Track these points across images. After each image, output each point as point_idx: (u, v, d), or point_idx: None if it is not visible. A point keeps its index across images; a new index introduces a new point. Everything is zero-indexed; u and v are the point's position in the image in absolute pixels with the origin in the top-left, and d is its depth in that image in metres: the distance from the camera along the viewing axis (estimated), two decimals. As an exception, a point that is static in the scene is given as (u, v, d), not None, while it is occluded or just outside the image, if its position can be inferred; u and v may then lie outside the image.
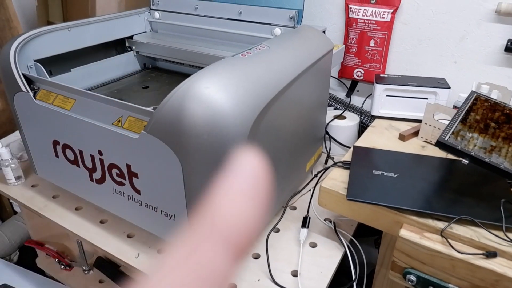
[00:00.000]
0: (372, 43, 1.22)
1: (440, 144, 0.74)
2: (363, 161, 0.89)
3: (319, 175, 0.92)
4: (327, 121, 1.22)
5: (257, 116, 0.68)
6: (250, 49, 0.80)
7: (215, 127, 0.64)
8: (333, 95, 1.37)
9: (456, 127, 0.80)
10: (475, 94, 0.95)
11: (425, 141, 1.02)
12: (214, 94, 0.64)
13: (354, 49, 1.26)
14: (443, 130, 0.78)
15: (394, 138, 1.04)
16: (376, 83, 1.10)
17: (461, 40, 1.12)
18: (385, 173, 0.84)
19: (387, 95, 1.11)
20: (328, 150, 1.21)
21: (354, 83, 1.35)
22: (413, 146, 1.00)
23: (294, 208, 1.01)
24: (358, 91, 1.37)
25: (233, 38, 1.12)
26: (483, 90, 1.07)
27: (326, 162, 1.18)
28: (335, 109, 1.34)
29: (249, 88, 0.69)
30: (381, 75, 1.17)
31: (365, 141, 1.02)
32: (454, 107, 1.05)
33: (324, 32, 1.16)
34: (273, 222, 0.94)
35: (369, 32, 1.21)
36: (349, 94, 1.38)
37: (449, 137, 0.76)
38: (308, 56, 0.89)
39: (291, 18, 1.02)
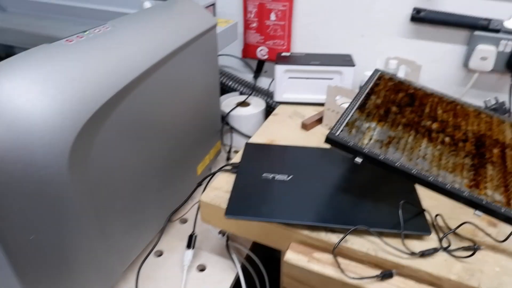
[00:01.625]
0: (273, 17, 1.06)
1: (329, 141, 0.61)
2: (253, 162, 0.75)
3: (204, 182, 0.77)
4: (227, 110, 1.06)
5: (84, 125, 0.50)
6: (85, 31, 0.60)
7: (20, 155, 0.45)
8: (239, 77, 1.21)
9: (351, 116, 0.67)
10: (379, 73, 0.84)
11: (329, 129, 0.89)
12: (13, 102, 0.45)
13: (254, 24, 1.10)
14: (335, 123, 0.64)
15: (297, 127, 0.91)
16: (276, 63, 0.95)
17: (367, 10, 0.99)
18: (276, 177, 0.70)
19: (289, 77, 0.97)
20: (230, 145, 1.05)
21: (261, 63, 1.19)
22: (316, 137, 0.87)
23: (184, 221, 0.86)
24: (266, 71, 1.21)
25: (96, 15, 0.90)
26: (391, 66, 0.96)
27: (228, 159, 1.03)
28: (241, 93, 1.18)
29: (70, 88, 0.50)
30: (283, 53, 1.02)
31: (263, 135, 0.87)
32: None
33: (213, 5, 0.98)
34: (154, 242, 0.78)
35: (268, 3, 1.04)
36: (256, 76, 1.23)
37: (341, 131, 0.63)
38: (177, 36, 0.71)
39: (162, -11, 0.83)
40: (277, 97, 1.00)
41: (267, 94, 1.15)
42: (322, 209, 0.63)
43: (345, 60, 0.95)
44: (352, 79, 0.95)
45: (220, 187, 0.71)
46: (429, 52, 0.97)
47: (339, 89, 0.83)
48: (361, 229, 0.59)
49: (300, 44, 1.12)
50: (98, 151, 0.55)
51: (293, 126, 0.91)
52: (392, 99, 0.75)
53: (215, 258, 0.77)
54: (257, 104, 1.10)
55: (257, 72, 1.22)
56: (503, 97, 0.92)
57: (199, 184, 0.77)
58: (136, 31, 0.65)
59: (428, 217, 0.62)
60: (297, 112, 0.97)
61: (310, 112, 0.96)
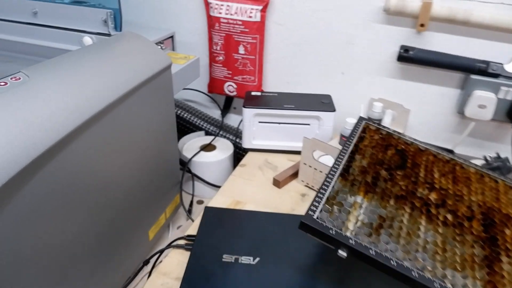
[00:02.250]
0: (241, 50, 0.93)
1: (305, 227, 0.47)
2: (213, 235, 0.60)
3: (151, 261, 0.61)
4: (190, 154, 0.92)
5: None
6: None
7: None
8: (205, 114, 1.07)
9: (332, 187, 0.54)
10: (364, 122, 0.71)
11: (306, 186, 0.76)
12: None
13: (221, 57, 0.96)
14: (312, 201, 0.51)
15: (268, 182, 0.77)
16: (244, 106, 0.82)
17: (347, 45, 0.88)
18: (240, 259, 0.56)
19: (259, 122, 0.84)
20: (192, 196, 0.90)
21: (229, 99, 1.06)
22: (291, 196, 0.73)
23: (130, 303, 0.70)
24: (235, 108, 1.08)
25: (33, 51, 0.75)
26: (376, 109, 0.84)
27: (189, 211, 0.88)
28: (207, 133, 1.04)
29: None
30: (253, 93, 0.89)
31: (227, 193, 0.73)
32: (342, 137, 0.81)
33: (171, 38, 0.84)
34: None
35: (236, 35, 0.91)
36: (224, 113, 1.09)
37: (320, 212, 0.49)
38: (122, 80, 0.56)
39: (104, 21, 0.68)
40: (246, 144, 0.86)
41: (236, 134, 1.02)
42: (297, 312, 0.49)
43: (324, 104, 0.83)
44: (332, 126, 0.82)
45: (169, 272, 0.56)
46: (419, 95, 0.86)
47: (317, 143, 0.70)
48: None
49: (272, 80, 0.99)
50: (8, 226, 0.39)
51: (263, 180, 0.77)
52: (380, 159, 0.62)
53: None
54: (224, 147, 0.96)
55: (225, 109, 1.08)
56: (503, 148, 0.82)
57: (146, 263, 0.62)
58: (63, 78, 0.50)
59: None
60: (268, 162, 0.84)
61: (283, 162, 0.83)
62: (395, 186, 0.57)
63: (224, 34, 0.93)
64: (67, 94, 0.49)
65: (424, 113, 0.87)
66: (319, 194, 0.52)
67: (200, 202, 0.94)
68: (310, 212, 0.49)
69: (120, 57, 0.60)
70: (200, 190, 0.94)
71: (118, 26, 0.68)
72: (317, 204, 0.50)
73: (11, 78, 0.48)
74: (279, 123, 0.83)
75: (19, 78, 0.48)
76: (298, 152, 0.83)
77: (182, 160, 0.94)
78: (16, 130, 0.41)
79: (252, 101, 0.84)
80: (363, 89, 0.92)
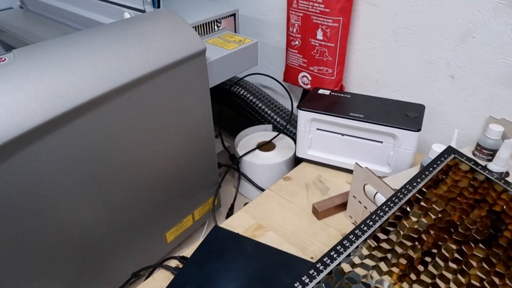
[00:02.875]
0: (319, 35, 0.75)
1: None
2: (204, 265, 0.49)
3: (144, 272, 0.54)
4: (242, 152, 0.81)
5: None
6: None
7: None
8: (279, 106, 0.93)
9: (347, 257, 0.36)
10: (453, 156, 0.49)
11: (353, 223, 0.58)
12: None
13: (297, 42, 0.80)
14: (307, 269, 0.35)
15: (310, 208, 0.61)
16: (300, 108, 0.66)
17: (465, 37, 0.62)
18: (220, 310, 0.44)
19: (317, 129, 0.67)
20: (234, 199, 0.80)
21: (307, 91, 0.89)
22: (329, 233, 0.57)
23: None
24: (312, 103, 0.91)
25: (86, 23, 0.73)
26: (491, 135, 0.59)
27: (228, 216, 0.78)
28: (275, 128, 0.91)
29: None
30: (320, 90, 0.71)
31: (255, 211, 0.61)
32: (422, 167, 0.59)
33: (233, 15, 0.72)
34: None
35: (315, 16, 0.74)
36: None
37: (308, 294, 0.33)
38: (142, 60, 0.49)
39: (144, -5, 0.61)
40: (299, 152, 0.70)
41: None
42: None
43: (407, 118, 0.61)
44: (413, 149, 0.60)
45: (145, 300, 0.48)
46: None
47: (369, 176, 0.50)
48: None
49: (356, 76, 0.79)
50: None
51: (303, 204, 0.62)
52: (454, 223, 0.41)
53: None
54: (284, 148, 0.82)
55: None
56: None
57: (135, 275, 0.55)
58: (45, 60, 0.44)
59: None
60: (321, 180, 0.67)
61: (339, 183, 0.65)
62: (465, 275, 0.36)
63: (301, 14, 0.76)
64: (55, 75, 0.43)
65: None
66: (324, 259, 0.36)
67: (215, 226, 0.83)
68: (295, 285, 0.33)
69: (140, 38, 0.52)
70: (250, 191, 0.83)
71: (156, 3, 0.59)
72: (313, 276, 0.34)
73: (-1, 57, 0.44)
74: (343, 134, 0.65)
75: (4, 59, 0.44)
76: (359, 176, 0.64)
77: (234, 156, 0.84)
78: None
79: (313, 102, 0.67)
80: (479, 102, 0.65)
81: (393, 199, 0.43)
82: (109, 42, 0.49)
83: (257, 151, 0.82)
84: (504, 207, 0.43)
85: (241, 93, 0.97)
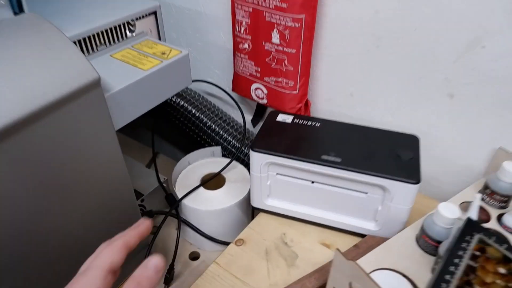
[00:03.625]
0: (275, 38, 0.56)
1: None
2: None
3: None
4: (182, 191, 0.62)
5: None
6: None
7: None
8: (229, 121, 0.74)
9: None
10: (476, 237, 0.33)
11: (335, 320, 0.41)
12: None
13: (246, 45, 0.61)
14: None
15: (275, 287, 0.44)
16: (253, 148, 0.47)
17: (471, 47, 0.46)
18: None
19: (278, 174, 0.49)
20: (174, 253, 0.61)
21: (262, 106, 0.71)
22: (301, 337, 0.40)
23: None
24: (270, 117, 0.73)
25: None
26: (505, 177, 0.44)
27: (167, 281, 0.59)
28: (226, 151, 0.72)
29: None
30: (280, 115, 0.53)
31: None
32: (424, 236, 0.43)
33: (154, 13, 0.51)
34: None
35: (268, 13, 0.54)
36: (255, 121, 0.75)
37: None
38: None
39: (-2, -10, 0.38)
40: (255, 202, 0.52)
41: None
42: None
43: (401, 161, 0.44)
44: (409, 204, 0.44)
45: None
46: None
47: (355, 271, 0.34)
48: None
49: (323, 90, 0.61)
50: None
51: (264, 285, 0.44)
52: None
53: None
54: (237, 183, 0.64)
55: (257, 117, 0.74)
56: None
57: None
58: None
59: None
60: (285, 239, 0.50)
61: (311, 246, 0.49)
62: None
63: (250, 9, 0.56)
64: None
65: None
66: None
67: (195, 257, 0.65)
68: None
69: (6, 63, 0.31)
70: (196, 237, 0.65)
71: (16, 6, 0.37)
72: None
73: None
74: (313, 181, 0.48)
75: None
76: (340, 230, 0.48)
77: (172, 196, 0.65)
78: None
79: (269, 137, 0.48)
80: (484, 129, 0.50)
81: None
82: None
83: (202, 189, 0.63)
84: None
85: (181, 104, 0.76)
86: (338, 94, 0.60)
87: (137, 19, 0.49)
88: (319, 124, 0.51)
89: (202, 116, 0.75)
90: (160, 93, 0.46)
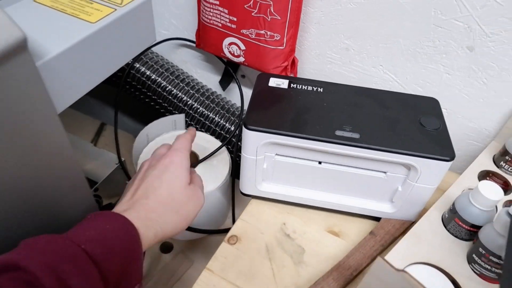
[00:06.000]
0: (259, -23, 0.44)
1: None
2: None
3: None
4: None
5: None
6: None
7: None
8: (194, 84, 0.62)
9: None
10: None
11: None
12: None
13: (217, -12, 0.48)
14: None
15: (282, 296, 0.36)
16: (246, 126, 0.37)
17: (505, -11, 0.38)
18: None
19: (277, 154, 0.39)
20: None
21: (233, 64, 0.59)
22: None
23: None
24: (244, 76, 0.62)
25: None
26: None
27: None
28: (192, 119, 0.61)
29: None
30: (272, 79, 0.42)
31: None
32: (457, 220, 0.36)
33: None
34: None
35: None
36: (224, 85, 0.63)
37: None
38: None
39: None
40: (246, 188, 0.43)
41: (239, 124, 0.58)
42: None
43: (428, 132, 0.37)
44: (436, 184, 0.37)
45: None
46: None
47: (408, 281, 0.27)
48: None
49: (313, 43, 0.51)
50: None
51: (271, 291, 0.36)
52: None
53: None
54: (212, 160, 0.53)
55: (226, 79, 0.62)
56: None
57: None
58: None
59: None
60: (287, 231, 0.41)
61: (317, 236, 0.41)
62: None
63: None
64: None
65: None
66: None
67: (167, 249, 0.55)
68: None
69: None
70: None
71: None
72: None
73: None
74: (320, 162, 0.39)
75: None
76: (346, 213, 0.41)
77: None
78: None
79: (265, 110, 0.38)
80: (504, 87, 0.44)
81: None
82: None
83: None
84: None
85: (140, 71, 0.62)
86: (330, 47, 0.50)
87: None
88: (322, 89, 0.41)
89: (160, 79, 0.62)
90: (116, 55, 0.33)
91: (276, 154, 0.39)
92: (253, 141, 0.37)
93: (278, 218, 0.43)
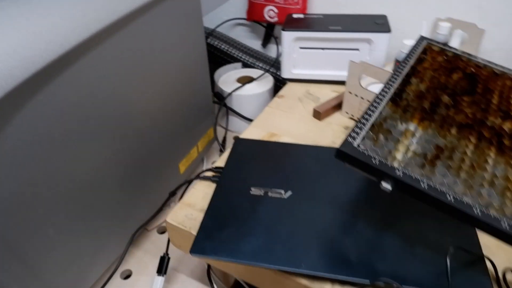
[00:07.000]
0: (283, -34, 0.81)
1: (342, 156, 0.40)
2: (242, 168, 0.55)
3: (178, 193, 0.59)
4: (226, 87, 0.86)
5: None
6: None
7: None
8: (243, 45, 0.98)
9: (380, 113, 0.45)
10: (425, 42, 0.60)
11: (351, 118, 0.67)
12: None
13: (260, -23, 0.86)
14: (353, 126, 0.43)
15: (308, 114, 0.69)
16: (284, 29, 0.72)
17: (411, -48, 0.73)
18: (270, 192, 0.51)
19: (300, 47, 0.74)
20: (225, 133, 0.86)
21: (270, 27, 0.96)
22: (332, 129, 0.66)
23: (163, 231, 0.69)
24: (276, 38, 0.98)
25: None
26: (442, 30, 0.71)
27: (221, 151, 0.84)
28: (245, 65, 0.97)
29: None
30: (294, 15, 0.78)
31: (262, 125, 0.67)
32: (397, 62, 0.70)
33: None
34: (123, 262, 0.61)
35: None
36: (264, 44, 1.00)
37: (362, 139, 0.41)
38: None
39: None
40: (285, 73, 0.77)
41: (276, 66, 0.93)
42: (329, 250, 0.43)
43: (377, 24, 0.71)
44: (385, 50, 0.71)
45: (194, 204, 0.53)
46: (495, 11, 0.71)
47: (365, 66, 0.60)
48: (384, 284, 0.39)
49: (319, 3, 0.87)
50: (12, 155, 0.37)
51: (302, 113, 0.70)
52: (443, 84, 0.51)
53: (194, 284, 0.60)
54: (263, 80, 0.89)
55: (266, 39, 0.99)
56: None
57: (172, 194, 0.59)
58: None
59: (491, 271, 0.41)
60: (310, 93, 0.75)
61: (327, 93, 0.74)
62: (459, 114, 0.47)
63: None
64: (73, 4, 0.43)
65: (502, 35, 0.72)
66: (362, 120, 0.44)
67: (236, 138, 0.89)
68: (349, 139, 0.41)
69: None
70: (237, 125, 0.89)
71: None
72: (358, 131, 0.42)
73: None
74: (323, 48, 0.73)
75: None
76: (343, 83, 0.74)
77: (218, 94, 0.88)
78: (10, 40, 0.37)
79: (293, 24, 0.74)
80: (426, 7, 0.78)
81: (394, 76, 0.53)
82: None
83: (239, 85, 0.87)
84: (474, 70, 0.55)
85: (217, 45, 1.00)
86: (328, 5, 0.87)
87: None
88: (322, 17, 0.77)
89: (223, 44, 0.99)
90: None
91: (300, 47, 0.74)
92: (287, 38, 0.72)
93: (304, 88, 0.76)
